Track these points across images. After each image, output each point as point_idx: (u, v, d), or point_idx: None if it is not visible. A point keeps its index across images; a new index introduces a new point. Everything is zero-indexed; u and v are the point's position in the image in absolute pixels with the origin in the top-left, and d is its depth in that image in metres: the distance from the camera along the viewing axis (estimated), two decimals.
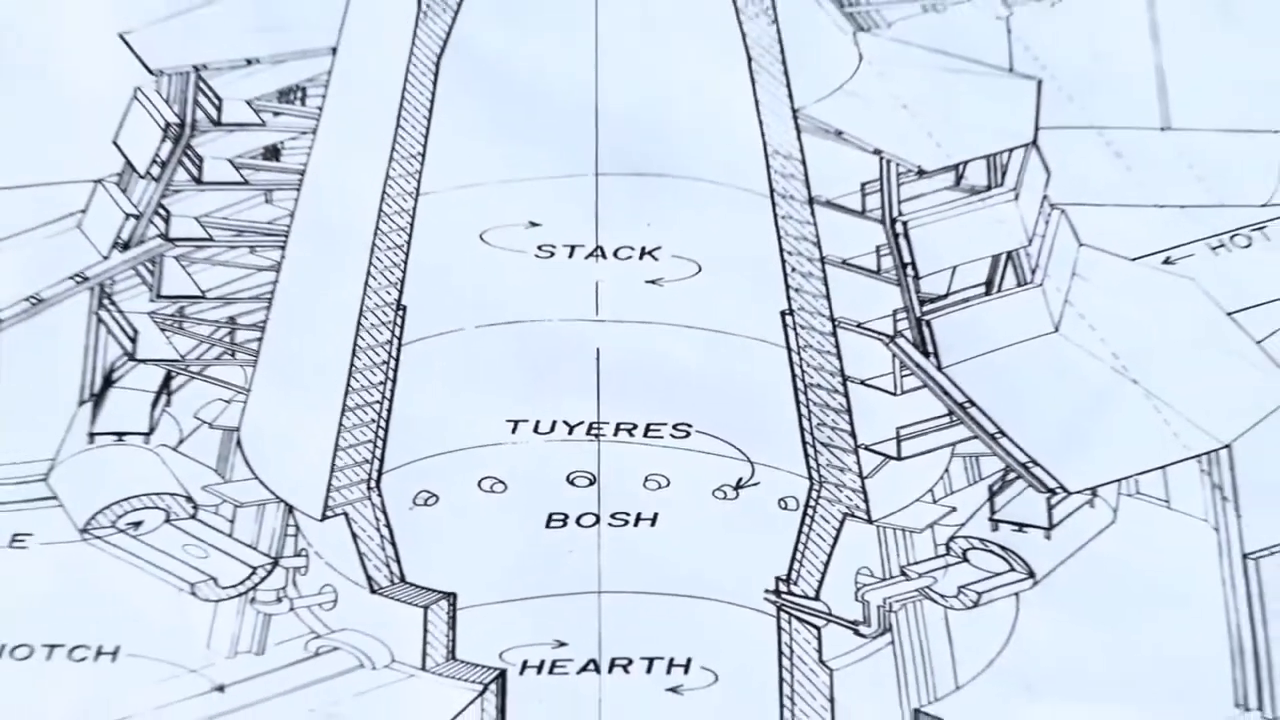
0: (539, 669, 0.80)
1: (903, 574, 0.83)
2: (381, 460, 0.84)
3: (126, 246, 0.88)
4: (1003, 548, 0.83)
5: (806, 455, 0.84)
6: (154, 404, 0.85)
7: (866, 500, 0.84)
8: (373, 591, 0.82)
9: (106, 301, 0.87)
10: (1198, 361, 0.85)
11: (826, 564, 0.83)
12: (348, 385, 0.86)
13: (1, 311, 0.86)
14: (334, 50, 0.91)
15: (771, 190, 0.87)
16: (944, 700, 0.80)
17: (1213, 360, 0.85)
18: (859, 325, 0.87)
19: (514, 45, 0.92)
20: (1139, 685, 0.79)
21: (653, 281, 0.86)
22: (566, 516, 0.83)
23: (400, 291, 0.87)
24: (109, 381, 0.86)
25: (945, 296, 0.87)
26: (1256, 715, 0.78)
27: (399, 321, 0.86)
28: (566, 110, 0.89)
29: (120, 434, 0.85)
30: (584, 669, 0.80)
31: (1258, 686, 0.79)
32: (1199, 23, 0.92)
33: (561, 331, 0.86)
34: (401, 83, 0.90)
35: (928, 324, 0.86)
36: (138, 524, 0.84)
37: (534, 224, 0.87)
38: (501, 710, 0.80)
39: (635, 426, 0.84)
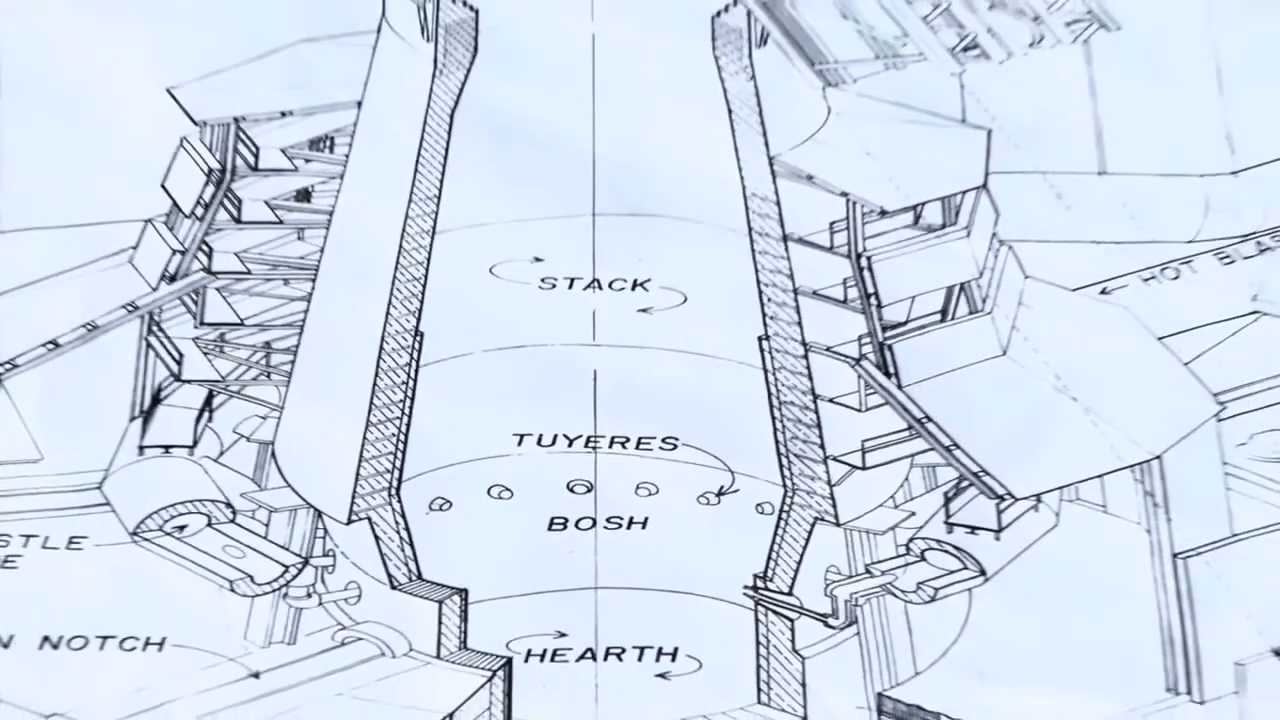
0: (542, 657, 0.79)
1: (867, 572, 0.82)
2: (401, 470, 0.84)
3: (173, 279, 0.87)
4: (957, 548, 0.82)
5: (781, 465, 0.83)
6: (197, 420, 0.85)
7: (835, 505, 0.83)
8: (393, 587, 0.82)
9: (155, 328, 0.86)
10: (1131, 381, 0.84)
11: (799, 563, 0.82)
12: (371, 402, 0.85)
13: (60, 337, 0.85)
14: (359, 104, 0.90)
15: (750, 228, 0.87)
16: (904, 685, 0.79)
17: (1144, 380, 0.84)
18: (828, 349, 0.86)
19: (519, 100, 0.91)
20: (1080, 672, 0.79)
21: (644, 310, 0.85)
22: (566, 520, 0.82)
23: (418, 319, 0.86)
24: (157, 400, 0.85)
25: (905, 323, 0.86)
26: (1185, 699, 0.78)
27: (417, 346, 0.85)
28: (566, 158, 0.89)
29: (167, 447, 0.84)
30: (582, 657, 0.80)
31: (1186, 673, 0.78)
32: (1131, 80, 0.91)
33: (562, 355, 0.85)
34: (419, 133, 0.89)
35: (889, 347, 0.85)
36: (182, 527, 0.83)
37: (537, 259, 0.86)
38: (508, 694, 0.79)
39: (628, 439, 0.83)
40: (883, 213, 0.89)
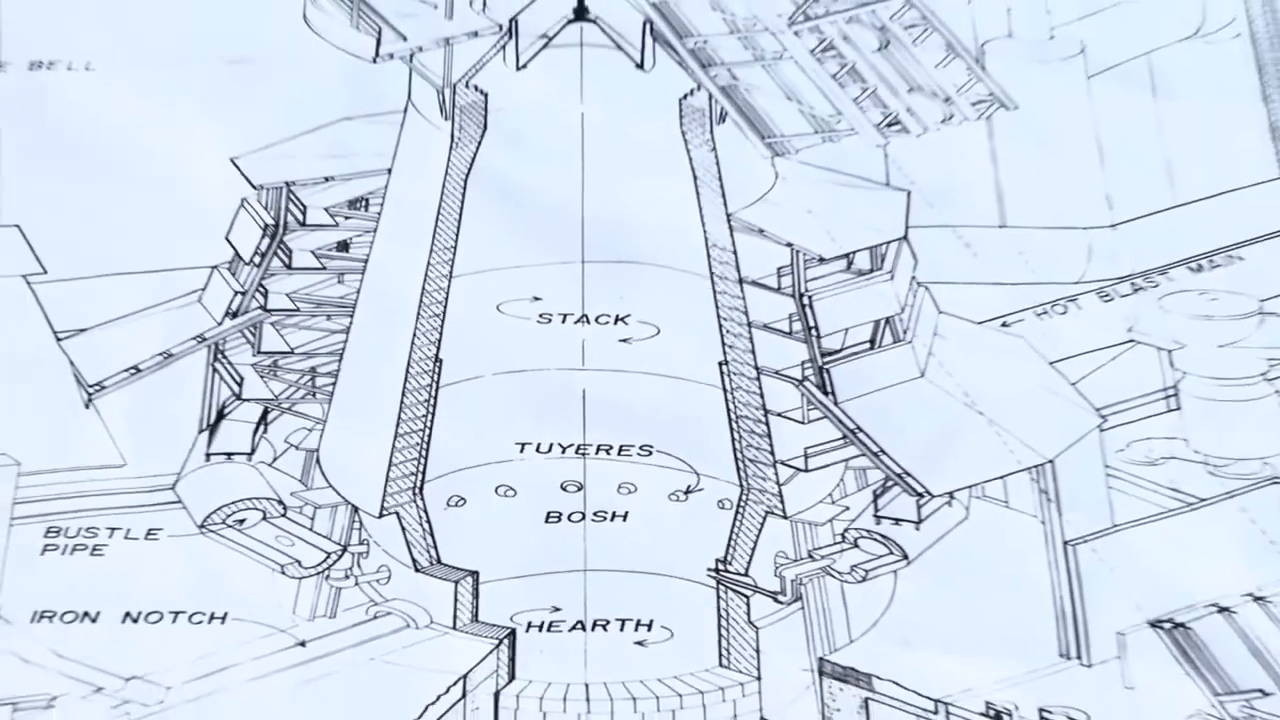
0: (540, 628, 0.77)
1: (810, 556, 0.80)
2: (423, 473, 0.82)
3: (235, 315, 0.85)
4: (884, 536, 0.80)
5: (738, 468, 0.81)
6: (254, 431, 0.83)
7: (783, 501, 0.81)
8: (417, 570, 0.80)
9: (220, 356, 0.84)
10: (1028, 398, 0.83)
11: (753, 549, 0.80)
12: (399, 417, 0.83)
13: (141, 363, 0.84)
14: (389, 171, 0.89)
15: (711, 273, 0.85)
16: (841, 650, 0.77)
17: (1039, 397, 0.83)
18: (776, 372, 0.84)
19: (521, 168, 0.90)
20: (987, 640, 0.77)
21: (624, 340, 0.84)
22: (560, 514, 0.80)
23: (438, 348, 0.84)
24: (221, 415, 0.83)
25: (839, 350, 0.85)
26: (1075, 663, 0.76)
27: (437, 370, 0.84)
28: (560, 215, 0.87)
29: (229, 454, 0.82)
30: (573, 628, 0.78)
31: (1076, 641, 0.76)
32: (1026, 150, 0.91)
33: (556, 377, 0.83)
34: (439, 195, 0.88)
35: (827, 371, 0.84)
36: (242, 521, 0.81)
37: (536, 298, 0.85)
38: (512, 658, 0.77)
39: (612, 447, 0.81)
40: (821, 260, 0.88)
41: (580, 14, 0.95)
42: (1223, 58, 0.92)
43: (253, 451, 0.83)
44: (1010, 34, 0.93)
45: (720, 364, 0.85)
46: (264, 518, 0.81)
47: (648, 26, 0.95)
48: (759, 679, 0.77)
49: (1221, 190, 0.88)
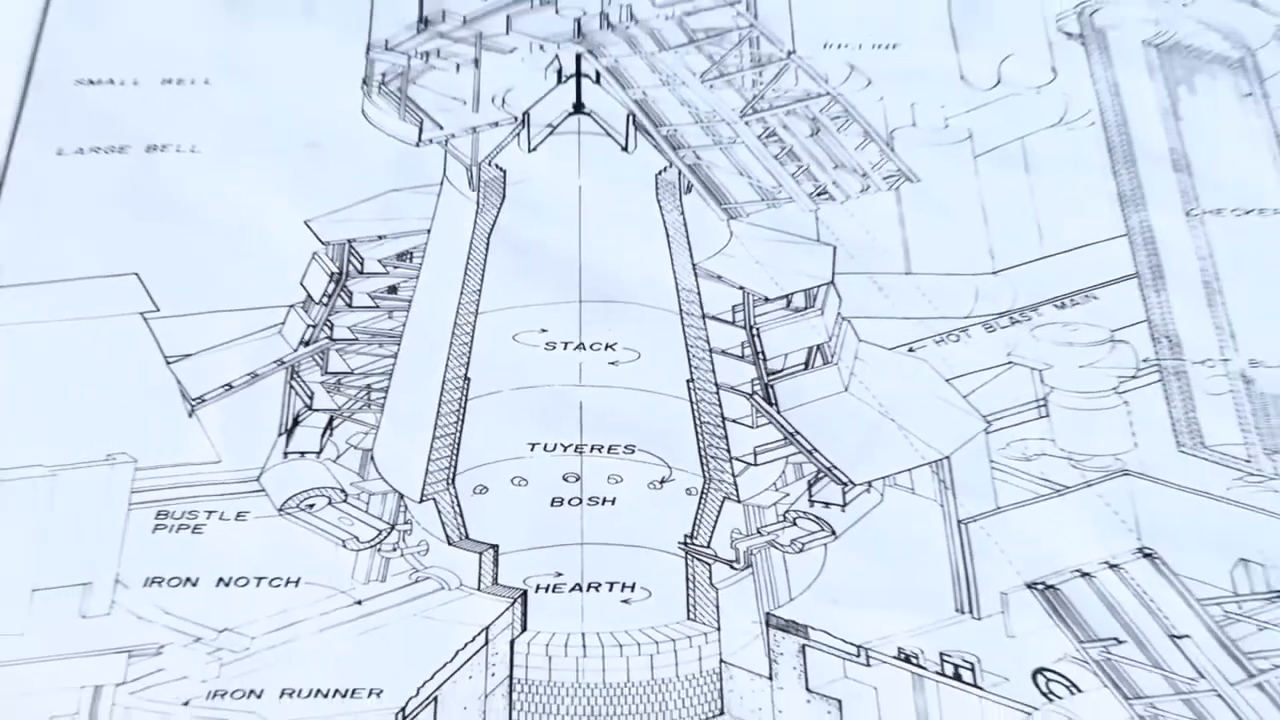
0: (547, 589, 0.75)
1: (758, 532, 0.78)
2: (455, 467, 0.79)
3: (307, 344, 0.83)
4: (816, 517, 0.78)
5: (702, 463, 0.79)
6: (322, 435, 0.80)
7: (737, 489, 0.79)
8: (449, 544, 0.77)
9: (295, 375, 0.82)
10: (928, 407, 0.81)
11: (714, 527, 0.78)
12: (436, 423, 0.81)
13: (234, 381, 0.81)
14: (428, 231, 0.87)
15: (680, 310, 0.83)
16: (783, 607, 0.74)
17: (937, 407, 0.81)
18: (731, 387, 0.82)
19: (533, 229, 0.88)
20: (898, 599, 0.75)
21: (612, 363, 0.82)
22: (562, 499, 0.78)
23: (467, 369, 0.82)
24: (296, 422, 0.81)
25: (781, 370, 0.82)
26: (968, 616, 0.74)
27: (466, 387, 0.81)
28: (562, 265, 0.86)
29: (303, 453, 0.80)
30: (573, 589, 0.75)
31: (968, 599, 0.74)
32: (926, 214, 0.89)
33: (559, 392, 0.81)
34: (467, 250, 0.86)
35: (771, 386, 0.81)
36: (312, 505, 0.79)
37: (543, 330, 0.83)
38: (524, 613, 0.75)
39: (603, 446, 0.79)
40: (766, 299, 0.86)
41: (578, 108, 0.94)
42: (1080, 141, 0.91)
43: (320, 451, 0.81)
44: (914, 123, 0.91)
45: (688, 381, 0.83)
46: (329, 503, 0.79)
47: (630, 118, 0.93)
48: (719, 629, 0.75)
49: (1079, 245, 0.86)
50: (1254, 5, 0.99)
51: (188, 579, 0.77)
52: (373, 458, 0.81)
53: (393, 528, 0.78)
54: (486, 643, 0.74)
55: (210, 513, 0.79)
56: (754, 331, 0.85)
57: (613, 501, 0.79)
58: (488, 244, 0.89)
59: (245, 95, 0.95)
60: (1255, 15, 0.98)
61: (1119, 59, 0.95)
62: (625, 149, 0.93)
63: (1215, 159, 0.91)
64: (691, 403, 0.83)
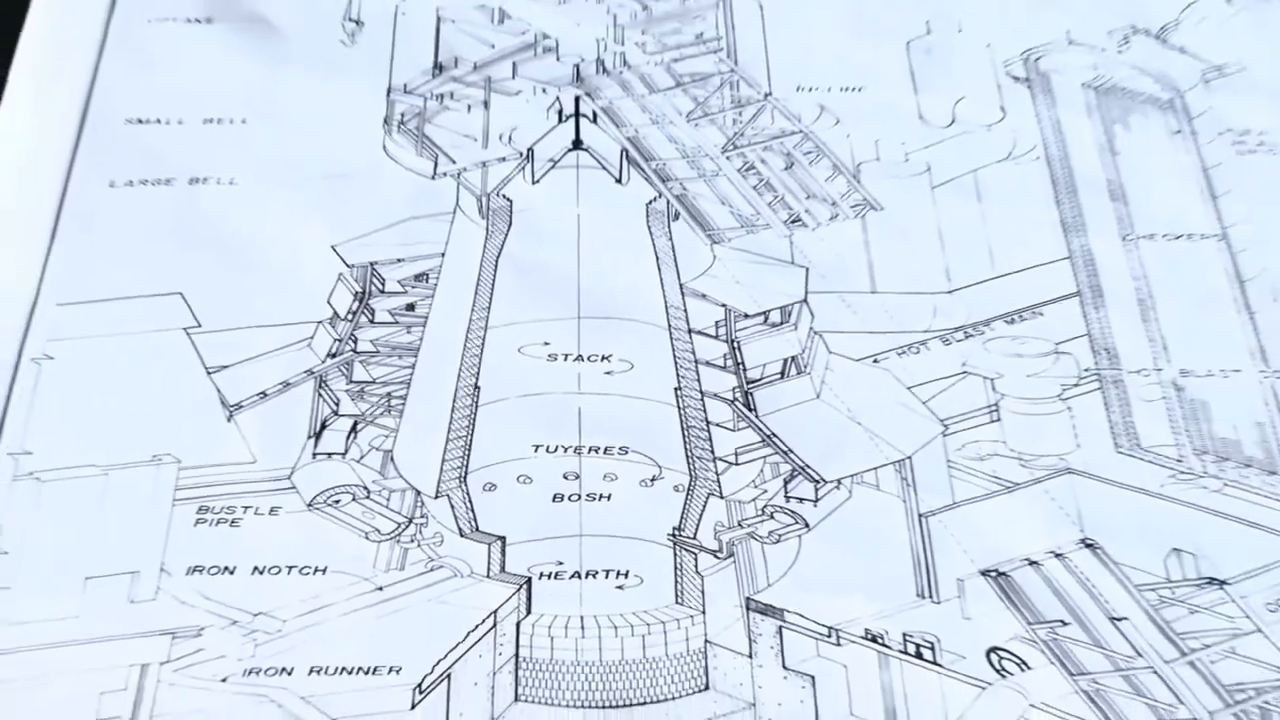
0: (549, 576, 0.74)
1: (739, 525, 0.77)
2: (467, 466, 0.78)
3: (334, 355, 0.82)
4: (792, 511, 0.77)
5: (688, 463, 0.78)
6: (347, 438, 0.79)
7: (720, 486, 0.78)
8: (462, 536, 0.76)
9: (323, 384, 0.81)
10: (892, 413, 0.80)
11: (699, 520, 0.77)
12: (449, 427, 0.80)
13: (268, 390, 0.81)
14: (443, 255, 0.86)
15: (669, 325, 0.82)
16: (762, 592, 0.74)
17: (900, 412, 0.80)
18: (715, 394, 0.81)
19: (536, 252, 0.88)
20: (865, 585, 0.74)
21: (608, 373, 0.81)
22: (563, 495, 0.77)
23: (477, 378, 0.81)
24: (324, 426, 0.80)
25: (759, 379, 0.82)
26: (927, 601, 0.73)
27: (476, 395, 0.80)
28: (563, 285, 0.85)
29: (330, 454, 0.79)
30: (572, 576, 0.74)
31: (928, 585, 0.73)
32: (889, 239, 0.88)
33: (560, 399, 0.80)
34: (477, 271, 0.85)
35: (750, 394, 0.81)
36: (338, 501, 0.78)
37: (546, 344, 0.82)
38: (529, 598, 0.74)
39: (599, 448, 0.78)
40: (746, 316, 0.85)
41: (577, 145, 0.93)
42: (1026, 173, 0.90)
43: (345, 452, 0.80)
44: (878, 158, 0.90)
45: (676, 389, 0.82)
46: (353, 499, 0.78)
47: (623, 153, 0.93)
48: (704, 612, 0.74)
49: (1026, 266, 0.86)
50: (1182, 52, 0.99)
51: (226, 568, 0.76)
52: (392, 458, 0.80)
53: (410, 521, 0.78)
54: (495, 625, 0.74)
55: (246, 508, 0.78)
56: (735, 344, 0.85)
57: (608, 498, 0.78)
58: (496, 266, 0.88)
59: (278, 134, 0.94)
60: (1184, 61, 0.98)
61: (1061, 100, 0.95)
62: (619, 181, 0.92)
63: (1148, 190, 0.90)
64: (679, 408, 0.82)
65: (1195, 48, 0.99)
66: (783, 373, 0.84)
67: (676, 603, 0.74)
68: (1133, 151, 0.93)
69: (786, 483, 0.79)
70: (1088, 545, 0.75)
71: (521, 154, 0.93)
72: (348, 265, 0.88)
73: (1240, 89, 0.96)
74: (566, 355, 0.84)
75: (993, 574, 0.74)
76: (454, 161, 0.94)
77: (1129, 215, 0.90)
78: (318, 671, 0.71)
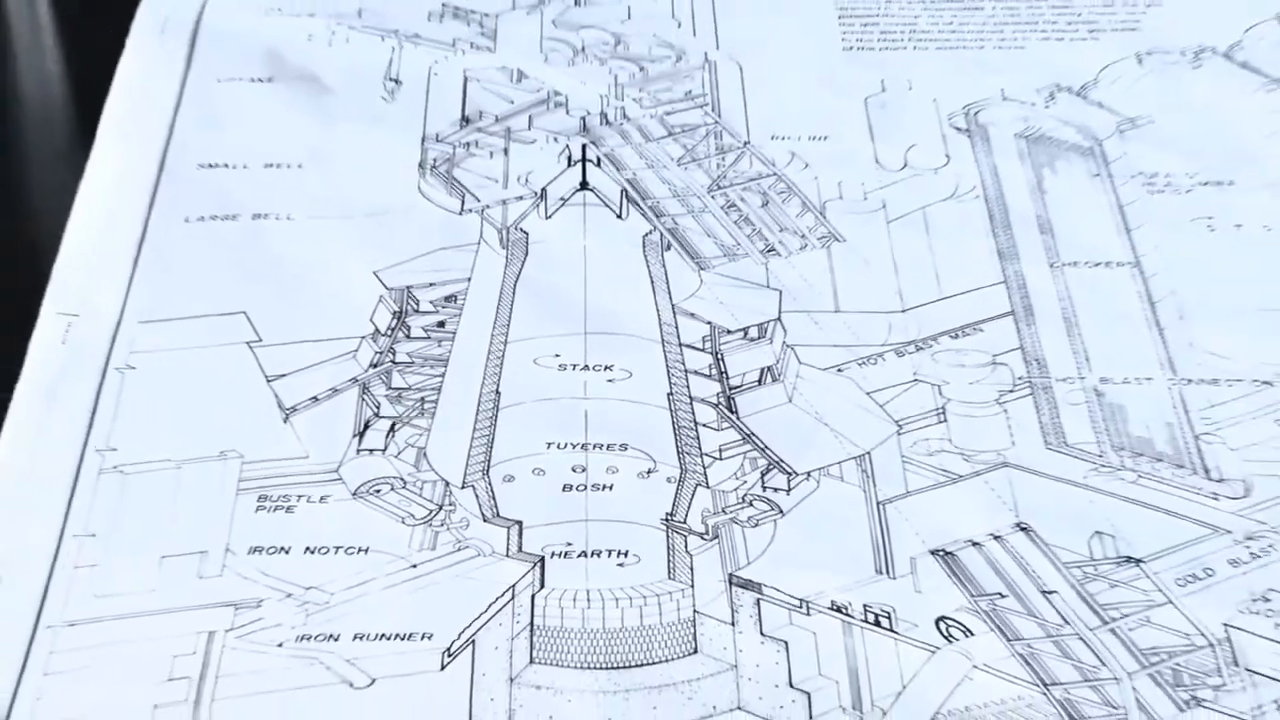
0: (559, 555, 0.73)
1: (723, 511, 0.75)
2: (489, 461, 0.77)
3: (375, 366, 0.81)
4: (768, 500, 0.75)
5: (679, 458, 0.77)
6: (387, 436, 0.78)
7: (707, 478, 0.76)
8: (484, 520, 0.75)
9: (366, 390, 0.80)
10: (853, 415, 0.78)
11: (689, 507, 0.75)
12: (474, 427, 0.78)
13: (319, 394, 0.79)
14: (469, 279, 0.85)
15: (663, 339, 0.81)
16: (742, 569, 0.72)
17: (860, 414, 0.78)
18: (702, 399, 0.80)
19: (549, 277, 0.87)
20: (830, 563, 0.72)
21: (610, 380, 0.80)
22: (572, 486, 0.75)
23: (498, 385, 0.80)
24: (367, 426, 0.78)
25: (740, 386, 0.80)
26: (885, 577, 0.71)
27: (497, 400, 0.79)
28: (572, 306, 0.84)
29: (371, 450, 0.77)
30: (579, 555, 0.73)
31: (885, 563, 0.71)
32: (849, 267, 0.87)
33: (569, 403, 0.79)
34: (498, 294, 0.84)
35: (732, 398, 0.79)
36: (378, 491, 0.76)
37: (557, 355, 0.81)
38: (542, 574, 0.72)
39: (603, 445, 0.77)
40: (728, 331, 0.83)
41: (583, 186, 0.92)
42: (968, 210, 0.89)
43: (385, 449, 0.78)
44: (841, 196, 0.89)
45: (668, 395, 0.80)
46: (392, 489, 0.76)
47: (623, 193, 0.91)
48: (693, 586, 0.72)
49: (968, 289, 0.85)
50: (1100, 107, 0.98)
51: (282, 548, 0.74)
52: (425, 454, 0.78)
53: (440, 508, 0.76)
54: (513, 597, 0.72)
55: (300, 496, 0.76)
56: (719, 356, 0.83)
57: (610, 488, 0.76)
58: (514, 289, 0.87)
59: (328, 176, 0.93)
60: (1101, 114, 0.96)
61: (997, 148, 0.94)
62: (620, 216, 0.91)
63: (1071, 224, 0.89)
64: (671, 411, 0.80)
65: (1111, 103, 0.98)
66: (760, 381, 0.82)
67: (669, 578, 0.72)
68: (1058, 191, 0.92)
69: (763, 475, 0.77)
70: (1022, 529, 0.74)
71: (536, 193, 0.93)
72: (387, 288, 0.87)
73: (1149, 138, 0.95)
74: (574, 365, 0.83)
75: (940, 553, 0.73)
76: (478, 200, 0.92)
77: (1055, 245, 0.89)
78: (360, 637, 0.70)
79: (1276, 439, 0.78)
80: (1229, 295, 0.85)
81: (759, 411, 0.81)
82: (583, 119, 0.97)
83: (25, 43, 1.10)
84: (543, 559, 0.73)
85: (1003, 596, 0.71)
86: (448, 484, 0.77)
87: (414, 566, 0.73)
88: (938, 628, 0.70)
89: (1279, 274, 0.86)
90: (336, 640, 0.70)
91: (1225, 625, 0.69)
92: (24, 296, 0.85)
